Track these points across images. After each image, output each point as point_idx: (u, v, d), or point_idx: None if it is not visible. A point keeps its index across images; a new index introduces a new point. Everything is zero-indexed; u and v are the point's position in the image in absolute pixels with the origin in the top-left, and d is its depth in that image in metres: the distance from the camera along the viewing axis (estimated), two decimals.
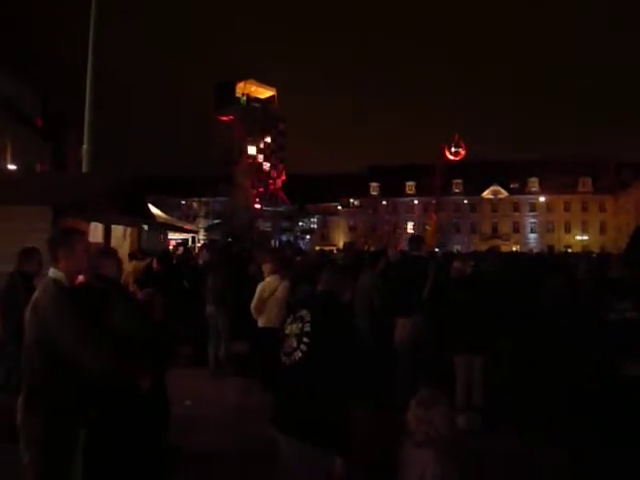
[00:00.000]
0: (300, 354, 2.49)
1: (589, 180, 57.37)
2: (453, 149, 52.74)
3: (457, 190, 60.68)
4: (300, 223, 48.52)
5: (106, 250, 4.32)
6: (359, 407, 2.79)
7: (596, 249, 42.73)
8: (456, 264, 5.51)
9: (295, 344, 2.52)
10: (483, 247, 34.36)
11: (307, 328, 2.51)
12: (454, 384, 5.03)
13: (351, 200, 62.95)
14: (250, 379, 6.26)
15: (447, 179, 55.77)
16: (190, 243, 16.85)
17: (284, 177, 46.37)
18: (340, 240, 57.12)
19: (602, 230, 56.54)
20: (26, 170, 24.48)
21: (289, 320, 2.67)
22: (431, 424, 2.02)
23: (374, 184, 62.59)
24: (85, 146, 9.93)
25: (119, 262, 4.22)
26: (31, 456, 2.49)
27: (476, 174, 57.47)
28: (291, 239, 42.63)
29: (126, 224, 8.41)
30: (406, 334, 5.54)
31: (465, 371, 5.00)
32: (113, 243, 7.81)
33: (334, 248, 39.77)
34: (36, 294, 2.53)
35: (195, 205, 51.89)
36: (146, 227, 9.11)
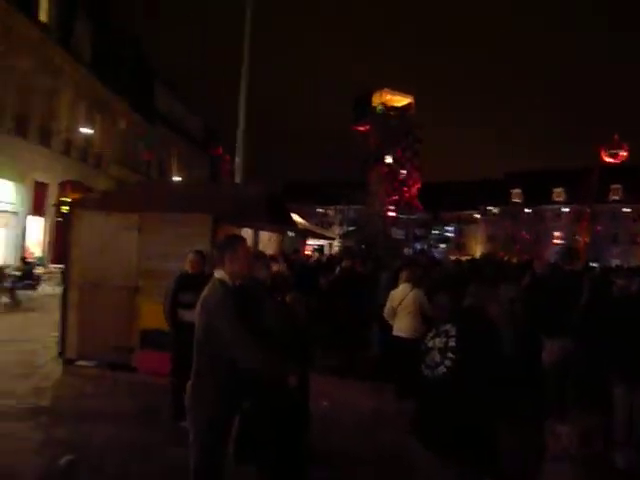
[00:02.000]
0: (444, 369, 2.45)
1: None
2: (612, 151, 47.05)
3: (615, 197, 54.05)
4: (435, 231, 47.33)
5: (259, 254, 4.71)
6: (505, 426, 2.67)
7: None
8: (619, 281, 4.94)
9: (439, 358, 2.49)
10: None
11: (452, 343, 2.48)
12: (612, 415, 4.51)
13: (489, 208, 59.68)
14: (384, 385, 6.32)
15: (604, 185, 49.94)
16: (327, 249, 17.47)
17: (419, 184, 45.70)
18: (477, 250, 54.42)
19: None
20: (188, 181, 27.60)
21: (432, 333, 2.66)
22: (563, 440, 1.87)
23: (516, 191, 58.58)
24: (238, 159, 10.94)
25: (268, 266, 4.58)
26: (194, 434, 2.81)
27: (638, 179, 50.60)
28: (425, 247, 41.77)
29: (272, 230, 9.04)
30: (554, 357, 5.10)
31: (626, 403, 4.44)
32: (260, 247, 8.45)
33: (470, 258, 38.03)
34: (205, 291, 2.86)
35: (331, 212, 53.58)
36: (292, 234, 9.68)
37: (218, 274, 2.87)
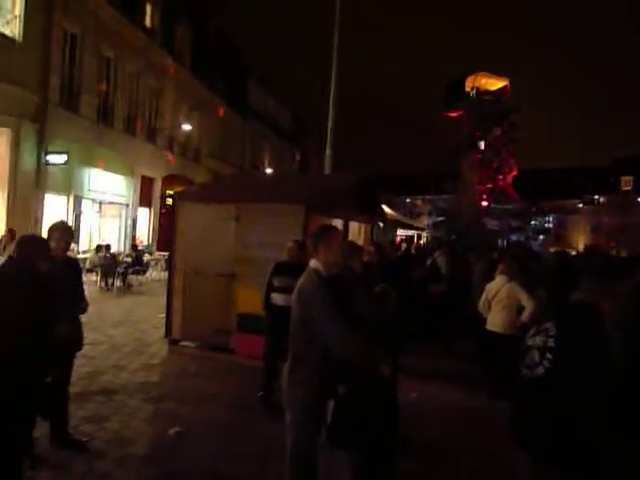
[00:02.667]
0: (542, 370, 2.35)
1: None
2: None
3: None
4: (533, 222, 44.53)
5: (354, 245, 4.77)
6: (609, 435, 2.50)
7: None
8: None
9: (538, 358, 2.39)
10: None
11: (551, 343, 2.36)
12: None
13: (595, 197, 54.95)
14: (477, 381, 6.15)
15: None
16: (416, 240, 17.18)
17: (515, 172, 43.14)
18: (580, 242, 50.51)
19: None
20: (280, 173, 28.51)
21: (533, 331, 2.55)
22: None
23: (627, 178, 53.37)
24: (328, 150, 11.07)
25: (361, 256, 4.63)
26: (290, 418, 2.94)
27: None
28: (522, 239, 39.51)
29: (362, 221, 9.07)
30: None
31: None
32: (350, 238, 8.53)
33: (573, 251, 35.40)
34: (300, 281, 2.97)
35: (419, 202, 52.43)
36: (382, 224, 9.66)
37: (313, 264, 2.96)
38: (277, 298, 5.28)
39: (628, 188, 53.41)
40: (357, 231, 9.27)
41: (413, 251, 12.23)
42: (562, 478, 2.30)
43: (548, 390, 2.32)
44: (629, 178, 53.23)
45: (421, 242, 23.45)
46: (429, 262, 9.74)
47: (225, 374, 6.29)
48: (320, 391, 2.89)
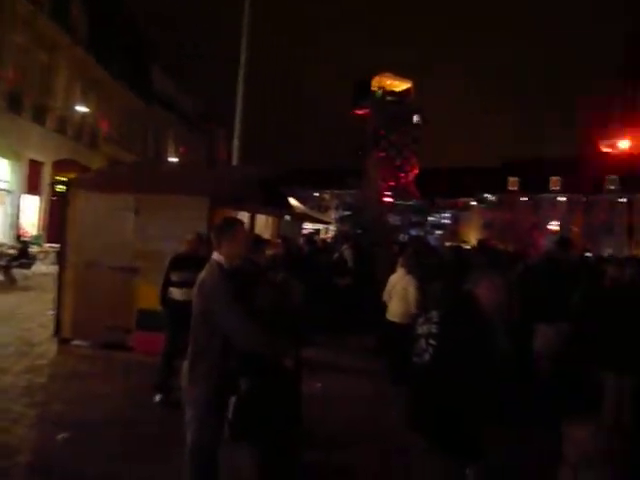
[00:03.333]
0: (428, 356, 2.51)
1: None
2: (609, 140, 47.00)
3: (612, 187, 54.15)
4: (431, 218, 47.34)
5: (258, 239, 4.73)
6: (496, 420, 2.71)
7: None
8: (611, 270, 4.97)
9: (424, 345, 2.55)
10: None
11: (434, 330, 2.52)
12: (601, 403, 4.60)
13: (486, 195, 59.75)
14: (379, 368, 6.41)
15: (600, 175, 50.03)
16: (324, 233, 17.49)
17: (416, 170, 45.52)
18: (472, 237, 54.61)
19: None
20: (184, 163, 27.48)
21: (421, 320, 2.70)
22: (580, 444, 1.90)
23: (513, 179, 58.65)
24: (236, 141, 10.86)
25: (265, 249, 4.61)
26: (191, 414, 2.86)
27: (636, 170, 50.62)
28: (421, 234, 41.88)
29: (269, 214, 9.03)
30: (548, 342, 5.17)
31: (616, 391, 4.52)
32: (257, 231, 8.46)
33: (466, 245, 38.15)
34: (202, 274, 2.88)
35: (327, 197, 53.49)
36: (289, 217, 9.68)
37: (215, 257, 2.89)
38: (176, 293, 5.10)
39: (514, 188, 58.67)
40: (264, 224, 9.22)
41: (320, 244, 12.42)
42: (449, 462, 2.44)
43: (434, 377, 2.46)
44: (515, 179, 58.51)
45: (329, 235, 23.91)
46: (336, 255, 9.95)
47: (121, 373, 5.96)
48: (221, 386, 2.84)
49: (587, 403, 3.93)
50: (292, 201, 11.59)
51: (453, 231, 59.43)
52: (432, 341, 2.50)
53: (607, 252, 38.36)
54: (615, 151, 44.95)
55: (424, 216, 45.44)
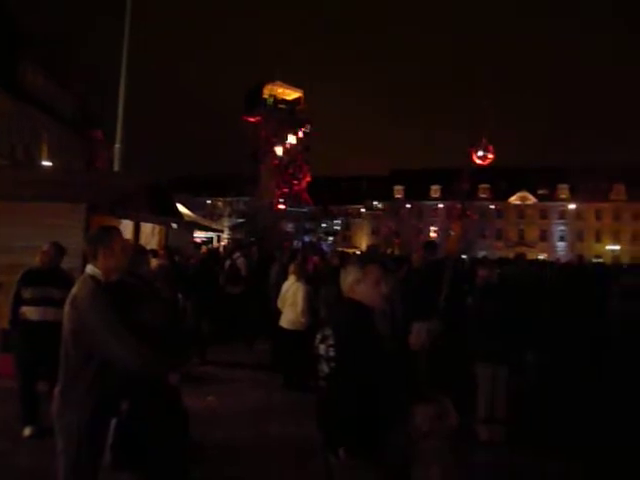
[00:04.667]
0: (329, 379, 2.41)
1: (622, 187, 55.82)
2: (480, 153, 52.05)
3: (484, 195, 59.84)
4: (323, 225, 48.57)
5: (140, 249, 4.45)
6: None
7: (627, 259, 41.69)
8: (482, 271, 5.44)
9: (326, 368, 2.42)
10: (509, 254, 33.80)
11: (332, 353, 2.39)
12: (476, 395, 4.99)
13: (375, 203, 62.77)
14: (274, 376, 6.37)
15: (474, 183, 55.02)
16: (216, 242, 17.08)
17: (309, 178, 46.48)
18: (363, 243, 56.97)
19: (634, 240, 54.94)
20: (61, 168, 25.24)
21: (319, 337, 2.53)
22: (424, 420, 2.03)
23: (398, 187, 62.31)
24: (117, 145, 10.19)
25: (149, 260, 4.35)
26: (65, 443, 2.59)
27: (503, 179, 56.57)
28: (314, 240, 42.74)
29: (155, 222, 8.59)
30: (422, 338, 5.51)
31: (488, 382, 4.93)
32: (142, 240, 7.99)
33: (357, 250, 39.65)
34: (74, 289, 2.63)
35: (220, 204, 52.50)
36: (175, 226, 9.29)
37: (89, 270, 2.65)
38: (30, 312, 4.47)
39: (400, 196, 62.33)
40: (150, 233, 8.75)
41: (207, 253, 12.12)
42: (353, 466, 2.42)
43: (334, 397, 2.37)
44: (401, 187, 62.18)
45: (221, 244, 23.41)
46: (228, 264, 9.77)
47: None
48: (99, 410, 2.60)
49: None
50: (181, 209, 11.16)
51: (345, 237, 61.54)
52: (332, 364, 2.41)
53: (481, 254, 42.18)
54: (485, 163, 49.86)
55: (317, 223, 46.48)
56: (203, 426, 4.52)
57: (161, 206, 8.80)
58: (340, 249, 41.17)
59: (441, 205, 59.63)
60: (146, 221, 8.25)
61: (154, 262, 5.66)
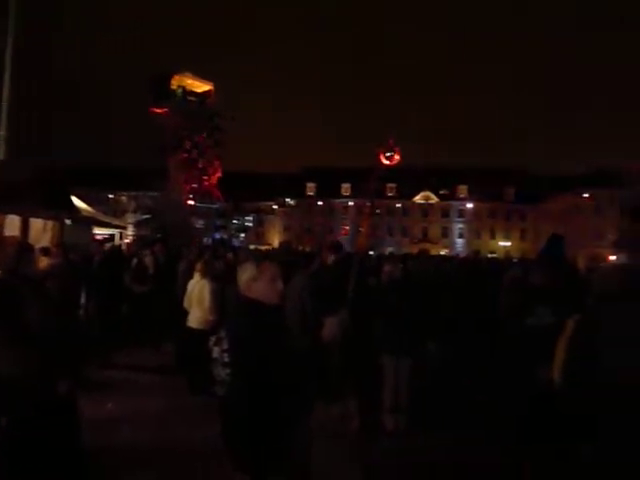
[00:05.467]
0: (226, 386, 2.30)
1: (512, 189, 61.03)
2: (388, 153, 54.23)
3: (391, 194, 62.37)
4: (235, 221, 47.76)
5: (25, 246, 4.02)
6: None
7: (517, 255, 45.70)
8: (386, 267, 5.63)
9: (222, 374, 2.31)
10: (414, 250, 35.55)
11: (226, 358, 2.28)
12: (382, 385, 5.16)
13: (287, 200, 63.00)
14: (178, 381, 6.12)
15: (382, 183, 57.18)
16: (118, 239, 16.08)
17: (219, 174, 45.40)
18: (275, 239, 56.95)
19: (523, 237, 60.32)
20: None
21: (213, 339, 2.39)
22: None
23: (310, 184, 63.08)
24: (2, 132, 9.21)
25: (35, 258, 3.96)
26: None
27: (409, 179, 59.42)
28: (225, 237, 41.92)
29: (46, 217, 7.87)
30: (334, 331, 5.59)
31: (393, 373, 5.11)
32: (31, 237, 7.28)
33: (269, 247, 39.53)
34: None
35: (124, 199, 49.72)
36: (69, 222, 8.58)
37: None
38: None
39: (312, 193, 63.10)
40: (41, 229, 7.99)
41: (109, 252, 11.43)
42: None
43: (234, 406, 2.28)
44: (312, 184, 62.97)
45: (124, 241, 22.14)
46: (135, 262, 9.31)
47: None
48: None
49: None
50: (78, 203, 10.38)
51: (257, 234, 61.11)
52: (227, 370, 2.29)
53: (388, 250, 43.96)
54: (392, 163, 51.99)
55: (228, 219, 45.57)
56: (104, 434, 4.32)
57: (54, 199, 8.08)
58: (253, 246, 40.82)
59: (351, 203, 61.24)
60: (35, 216, 7.53)
61: (45, 261, 5.19)
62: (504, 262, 14.28)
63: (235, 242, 39.24)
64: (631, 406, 1.93)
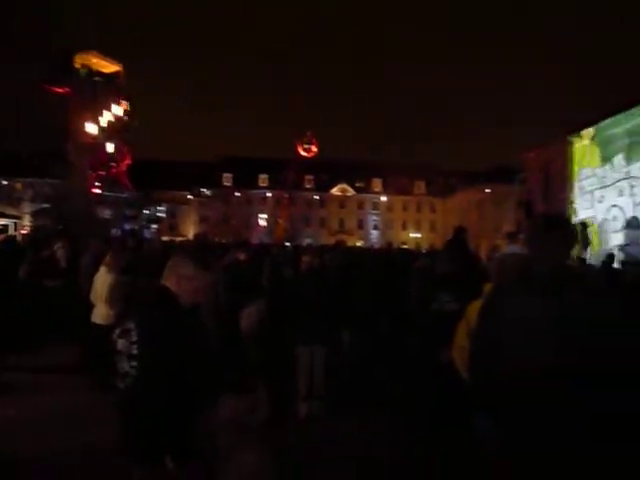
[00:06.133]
0: (131, 379, 2.20)
1: (422, 183, 64.08)
2: (305, 145, 54.54)
3: (308, 186, 62.92)
4: (146, 211, 45.48)
5: None
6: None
7: (426, 245, 48.23)
8: (304, 258, 5.68)
9: (127, 367, 2.21)
10: (331, 241, 36.16)
11: (134, 350, 2.19)
12: (296, 373, 5.22)
13: (203, 190, 61.22)
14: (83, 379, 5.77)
15: (299, 174, 57.44)
16: (13, 230, 14.77)
17: (129, 161, 42.90)
18: (190, 231, 55.22)
19: (432, 229, 63.60)
20: None
21: (117, 331, 2.29)
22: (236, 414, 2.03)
23: (227, 175, 61.84)
24: None
25: None
26: None
27: (326, 172, 60.32)
28: (136, 228, 39.87)
29: None
30: (251, 322, 5.57)
31: (307, 362, 5.18)
32: None
33: (184, 239, 38.29)
34: None
35: (19, 186, 45.61)
36: None
37: None
38: None
39: (228, 184, 61.83)
40: None
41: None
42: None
43: (138, 402, 2.20)
44: (229, 175, 61.68)
45: (20, 232, 20.41)
46: (46, 254, 8.80)
47: None
48: None
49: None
50: None
51: (171, 225, 58.81)
52: (134, 362, 2.20)
53: (306, 241, 44.34)
54: (309, 155, 52.44)
55: (138, 209, 43.28)
56: (7, 440, 4.14)
57: None
58: (166, 238, 39.28)
59: (269, 194, 60.93)
60: None
61: None
62: (414, 252, 14.94)
63: (146, 233, 37.47)
64: (529, 396, 2.02)
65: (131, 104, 43.19)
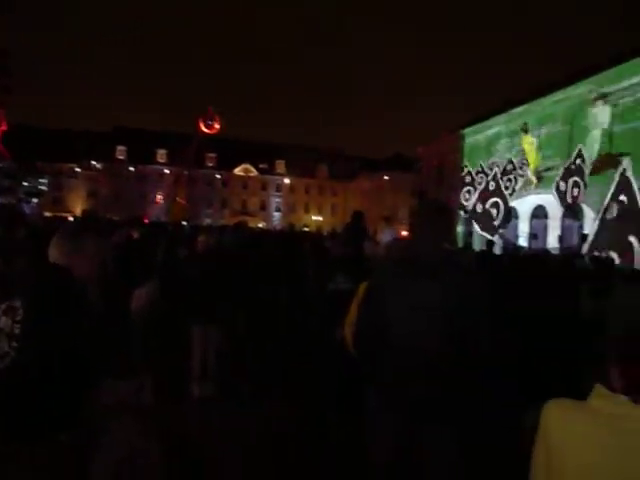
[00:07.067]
0: (9, 360, 1.98)
1: (325, 167, 65.19)
2: (208, 121, 52.63)
3: (210, 164, 61.09)
4: (25, 183, 41.17)
5: None
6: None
7: (328, 228, 49.38)
8: (201, 237, 5.53)
9: (6, 347, 2.01)
10: (232, 222, 35.61)
11: (17, 330, 2.02)
12: (190, 353, 5.10)
13: (93, 162, 56.83)
14: None
15: (201, 152, 55.50)
16: None
17: (5, 127, 38.40)
18: (77, 206, 51.20)
19: (334, 212, 65.15)
20: None
21: (3, 307, 2.08)
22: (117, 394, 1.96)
23: (121, 147, 58.02)
24: None
25: None
26: None
27: (229, 150, 58.91)
28: (13, 202, 36.00)
29: None
30: (142, 303, 5.33)
31: (201, 342, 5.10)
32: None
33: (71, 215, 35.41)
34: None
35: None
36: None
37: None
38: None
39: (122, 157, 58.01)
40: None
41: None
42: None
43: (18, 384, 2.03)
44: (123, 148, 57.83)
45: None
46: None
47: None
48: None
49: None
50: None
51: (55, 199, 54.01)
52: (15, 343, 2.01)
53: (206, 222, 43.22)
54: (211, 132, 50.72)
55: (17, 181, 39.03)
56: None
57: None
58: (50, 213, 36.06)
59: (167, 171, 58.23)
60: None
61: None
62: (315, 235, 15.20)
63: (26, 208, 34.00)
64: (413, 376, 2.15)
65: (11, 61, 38.46)
